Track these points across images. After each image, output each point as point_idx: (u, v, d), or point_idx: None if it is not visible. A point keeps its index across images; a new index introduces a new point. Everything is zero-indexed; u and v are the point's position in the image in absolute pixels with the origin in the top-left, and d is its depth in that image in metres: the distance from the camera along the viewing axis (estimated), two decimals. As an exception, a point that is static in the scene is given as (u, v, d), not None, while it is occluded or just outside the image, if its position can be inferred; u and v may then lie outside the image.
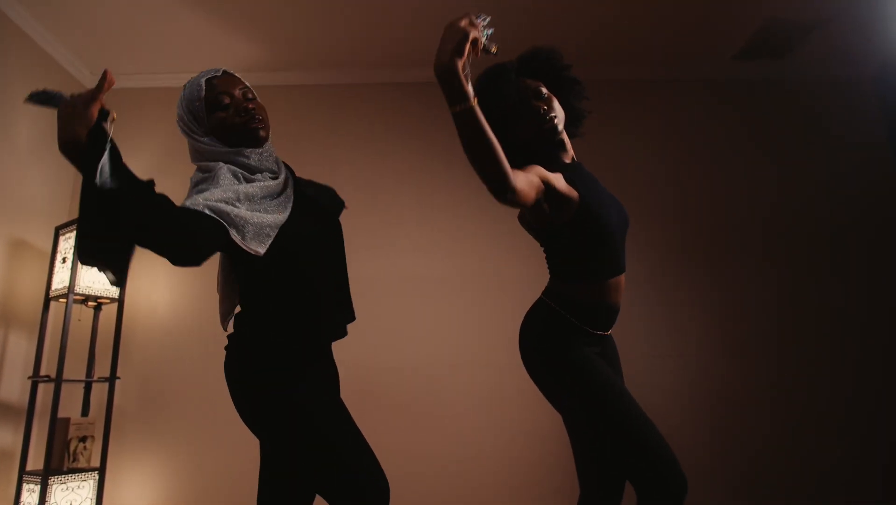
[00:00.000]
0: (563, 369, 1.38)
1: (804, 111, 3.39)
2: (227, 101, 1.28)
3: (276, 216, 1.24)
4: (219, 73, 1.31)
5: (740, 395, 3.01)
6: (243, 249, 1.16)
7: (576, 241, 1.43)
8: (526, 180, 1.23)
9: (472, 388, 3.00)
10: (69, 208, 3.19)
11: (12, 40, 2.83)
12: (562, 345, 1.40)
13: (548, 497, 2.85)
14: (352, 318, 1.42)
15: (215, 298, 1.45)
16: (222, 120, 1.28)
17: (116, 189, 0.99)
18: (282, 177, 1.34)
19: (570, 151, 1.55)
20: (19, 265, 2.84)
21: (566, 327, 1.41)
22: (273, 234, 1.21)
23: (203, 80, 1.29)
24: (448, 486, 2.88)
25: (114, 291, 2.79)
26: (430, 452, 2.91)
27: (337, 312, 1.37)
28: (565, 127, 1.53)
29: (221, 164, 1.26)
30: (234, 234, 1.14)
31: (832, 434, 2.95)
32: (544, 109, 1.45)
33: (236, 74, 1.35)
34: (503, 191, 1.15)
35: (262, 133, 1.31)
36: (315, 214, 1.38)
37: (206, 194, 1.15)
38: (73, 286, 2.61)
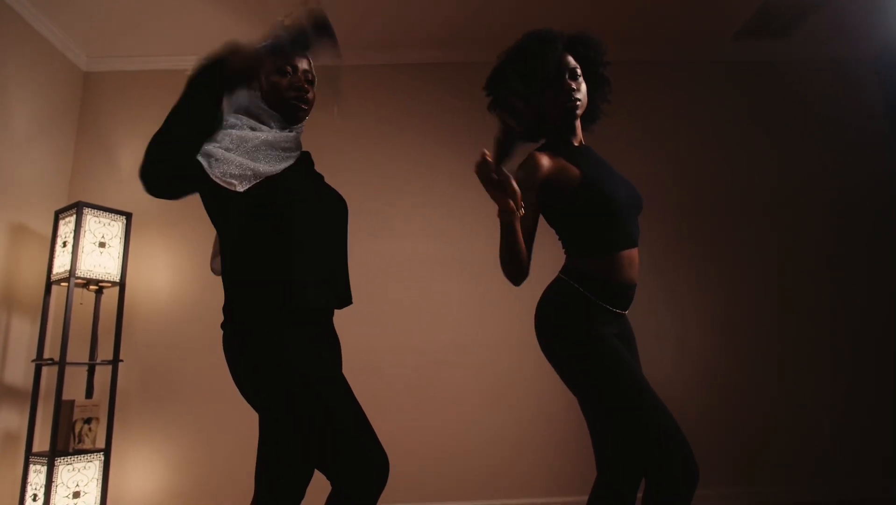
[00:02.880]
0: (580, 347, 1.37)
1: (804, 91, 3.37)
2: (289, 69, 1.35)
3: (264, 165, 1.26)
4: None
5: (740, 377, 3.03)
6: (220, 188, 1.21)
7: (583, 215, 1.45)
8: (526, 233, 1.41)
9: (474, 369, 3.03)
10: (68, 192, 3.18)
11: (8, 24, 2.81)
12: (579, 321, 1.39)
13: (557, 479, 2.89)
14: (348, 301, 1.37)
15: (215, 280, 1.45)
16: (277, 84, 1.34)
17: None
18: (290, 134, 1.37)
19: (579, 135, 1.58)
20: (20, 250, 2.85)
21: (584, 303, 1.40)
22: (253, 180, 1.23)
23: None
24: (450, 467, 2.92)
25: (115, 275, 2.80)
26: (432, 434, 2.94)
27: (327, 280, 1.30)
28: (581, 117, 1.57)
29: (237, 117, 1.32)
30: (205, 164, 1.20)
31: (831, 414, 2.98)
32: (573, 89, 1.49)
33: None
34: (517, 284, 1.41)
35: (302, 115, 1.38)
36: (319, 185, 1.39)
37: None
38: (75, 270, 2.62)
